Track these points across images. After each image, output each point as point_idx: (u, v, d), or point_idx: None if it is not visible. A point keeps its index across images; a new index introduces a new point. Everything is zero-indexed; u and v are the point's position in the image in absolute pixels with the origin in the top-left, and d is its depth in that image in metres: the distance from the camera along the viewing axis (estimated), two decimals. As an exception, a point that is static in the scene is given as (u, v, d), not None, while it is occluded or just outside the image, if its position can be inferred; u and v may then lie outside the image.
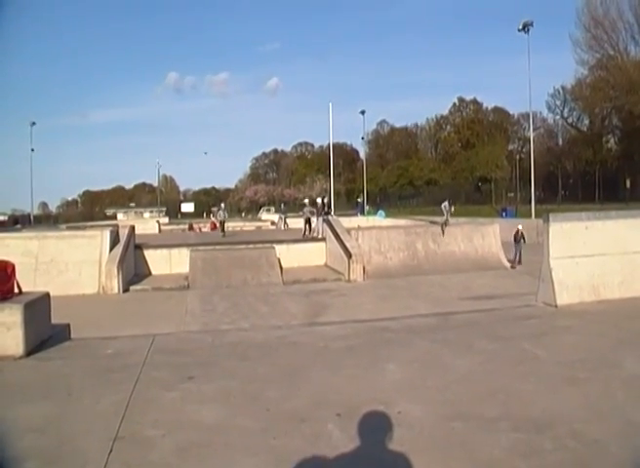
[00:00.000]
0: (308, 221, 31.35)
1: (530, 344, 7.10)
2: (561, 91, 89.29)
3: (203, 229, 53.19)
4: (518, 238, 23.73)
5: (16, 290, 7.64)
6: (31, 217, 79.95)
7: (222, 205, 40.97)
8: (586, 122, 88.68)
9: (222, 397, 5.54)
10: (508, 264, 22.60)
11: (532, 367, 6.22)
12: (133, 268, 22.20)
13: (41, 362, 6.92)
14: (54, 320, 8.20)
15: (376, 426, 4.72)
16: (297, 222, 33.86)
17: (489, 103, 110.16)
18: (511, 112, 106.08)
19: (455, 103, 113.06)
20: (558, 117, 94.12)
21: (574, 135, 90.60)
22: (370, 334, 8.24)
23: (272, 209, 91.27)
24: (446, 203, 29.33)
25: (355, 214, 42.22)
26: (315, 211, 31.47)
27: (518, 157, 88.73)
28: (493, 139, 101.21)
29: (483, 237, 23.96)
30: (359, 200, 53.95)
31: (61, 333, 8.24)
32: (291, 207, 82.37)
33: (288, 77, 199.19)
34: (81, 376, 6.36)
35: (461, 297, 15.42)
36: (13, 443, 4.54)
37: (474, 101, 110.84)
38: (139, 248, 23.41)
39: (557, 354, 6.69)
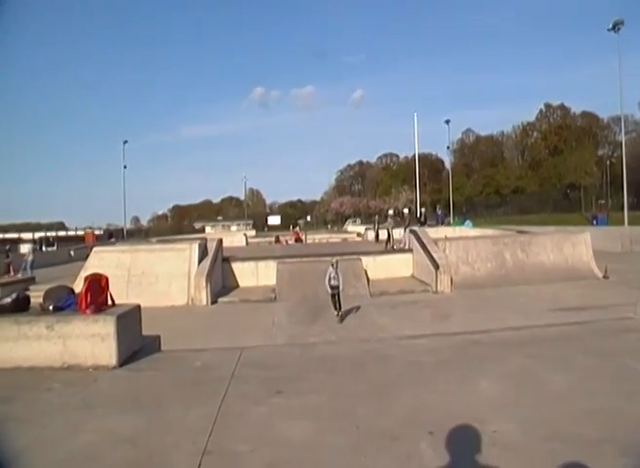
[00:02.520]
0: (389, 233, 31.22)
1: (633, 360, 6.73)
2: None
3: (289, 242, 53.53)
4: None
5: (109, 301, 7.82)
6: (124, 231, 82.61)
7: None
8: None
9: (311, 412, 5.46)
10: (601, 274, 21.79)
11: (636, 385, 5.87)
12: (221, 280, 22.50)
13: (133, 372, 7.03)
14: (145, 331, 8.36)
15: (470, 446, 4.54)
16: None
17: (577, 108, 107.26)
18: (601, 116, 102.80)
19: (541, 109, 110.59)
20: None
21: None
22: (460, 348, 8.02)
23: (358, 220, 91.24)
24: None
25: (434, 225, 41.40)
26: (399, 221, 31.32)
27: (609, 162, 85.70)
28: (581, 145, 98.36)
29: (573, 246, 23.20)
30: (438, 210, 53.00)
31: (152, 345, 8.37)
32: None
33: (372, 88, 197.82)
34: (171, 388, 6.42)
35: (553, 309, 14.91)
36: (106, 453, 4.61)
37: (561, 107, 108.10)
38: (226, 260, 23.71)
39: (663, 371, 6.31)
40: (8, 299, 7.65)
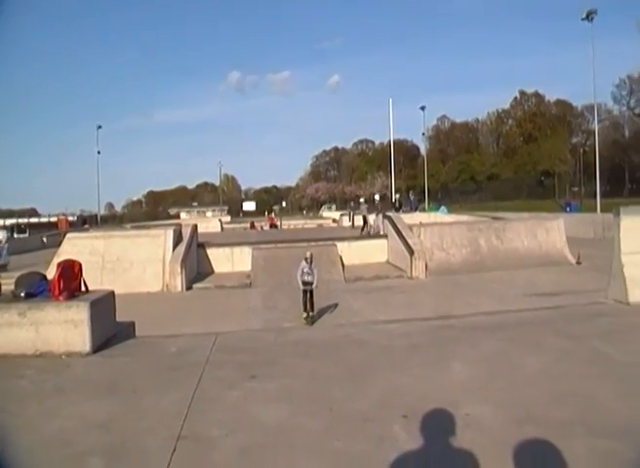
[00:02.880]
0: (365, 219, 31.33)
1: (602, 343, 6.82)
2: (627, 81, 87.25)
3: (264, 227, 53.48)
4: None
5: (82, 288, 7.76)
6: (98, 218, 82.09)
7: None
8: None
9: (285, 396, 5.48)
10: (574, 260, 21.99)
11: (606, 367, 5.96)
12: (195, 266, 22.41)
13: (107, 359, 7.00)
14: (119, 317, 8.31)
15: (443, 428, 4.57)
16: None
17: (551, 96, 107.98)
18: (574, 104, 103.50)
19: (516, 97, 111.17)
20: (624, 108, 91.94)
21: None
22: (434, 332, 8.07)
23: (333, 206, 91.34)
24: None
25: (408, 211, 41.42)
26: (370, 208, 31.47)
27: (582, 150, 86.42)
28: (555, 133, 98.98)
29: (547, 232, 23.37)
30: (411, 196, 52.82)
31: (126, 331, 8.34)
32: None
33: (349, 74, 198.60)
34: (145, 374, 6.39)
35: (526, 294, 15.03)
36: (80, 438, 4.58)
37: (536, 94, 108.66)
38: (201, 246, 23.62)
39: (633, 354, 6.38)
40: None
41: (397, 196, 53.41)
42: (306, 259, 14.47)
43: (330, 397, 5.42)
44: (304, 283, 14.32)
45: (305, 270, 14.36)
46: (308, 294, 14.26)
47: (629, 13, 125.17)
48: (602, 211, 38.85)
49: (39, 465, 4.24)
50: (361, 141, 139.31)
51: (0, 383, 6.06)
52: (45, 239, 43.74)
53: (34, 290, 7.55)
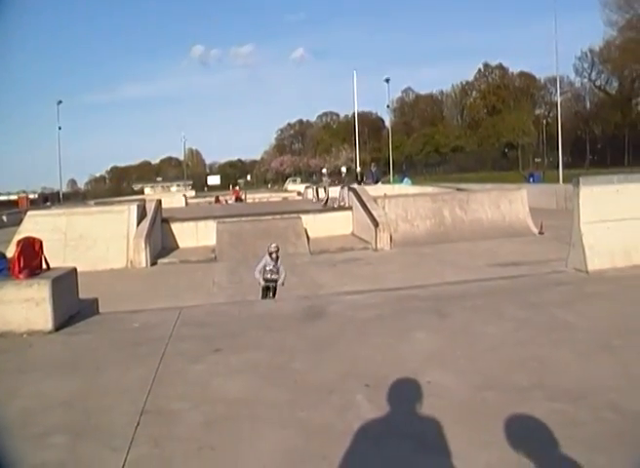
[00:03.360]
0: (326, 191, 31.51)
1: (562, 311, 6.96)
2: (589, 53, 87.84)
3: (229, 201, 53.22)
4: None
5: (44, 265, 7.67)
6: (60, 195, 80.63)
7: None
8: (615, 85, 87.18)
9: (249, 369, 5.50)
10: (536, 230, 22.25)
11: (564, 334, 6.09)
12: (160, 242, 22.24)
13: (69, 336, 6.95)
14: (83, 295, 8.25)
15: (405, 396, 4.65)
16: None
17: (515, 68, 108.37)
18: (538, 77, 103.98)
19: (480, 69, 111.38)
20: (586, 80, 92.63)
21: (602, 98, 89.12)
22: (398, 303, 8.14)
23: (298, 179, 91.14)
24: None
25: (369, 183, 41.29)
26: (334, 180, 31.57)
27: (545, 122, 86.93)
28: (519, 105, 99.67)
29: (510, 203, 23.57)
30: (373, 168, 52.58)
31: (89, 308, 8.28)
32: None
33: (313, 47, 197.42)
34: (108, 350, 6.37)
35: (489, 264, 15.19)
36: (43, 417, 4.56)
37: (500, 67, 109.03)
38: (165, 221, 23.43)
39: (590, 320, 6.54)
40: None
41: (359, 169, 53.15)
42: (271, 254, 11.66)
43: (294, 369, 5.46)
44: (267, 280, 11.63)
45: (269, 268, 11.63)
46: (271, 292, 11.65)
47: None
48: (564, 181, 39.38)
49: (1, 446, 4.21)
50: (326, 114, 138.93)
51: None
52: (5, 218, 42.88)
53: (-6, 269, 7.44)
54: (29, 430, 4.35)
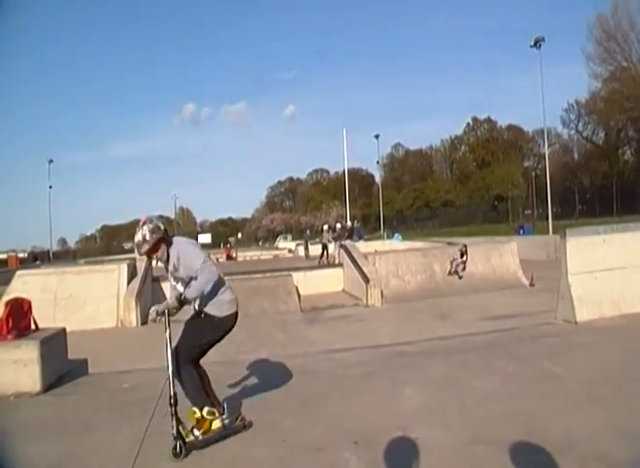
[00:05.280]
0: (325, 248, 31.43)
1: (550, 363, 6.99)
2: (575, 105, 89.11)
3: (220, 260, 53.18)
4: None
5: (33, 326, 7.67)
6: (50, 254, 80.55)
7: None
8: (602, 135, 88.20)
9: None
10: (527, 282, 22.32)
11: (552, 386, 6.12)
12: (151, 300, 22.04)
13: (58, 397, 6.92)
14: (72, 355, 8.22)
15: (393, 453, 4.64)
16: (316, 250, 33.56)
17: (503, 122, 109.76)
18: (526, 129, 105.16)
19: (469, 123, 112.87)
20: (573, 132, 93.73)
21: (589, 148, 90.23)
22: (388, 359, 8.16)
23: (289, 236, 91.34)
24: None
25: (357, 240, 40.84)
26: (336, 235, 31.65)
27: (534, 174, 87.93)
28: (508, 157, 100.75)
29: (501, 256, 23.65)
30: (356, 224, 51.65)
31: (78, 369, 8.24)
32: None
33: (304, 104, 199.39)
34: (97, 411, 6.34)
35: (480, 318, 15.17)
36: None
37: (488, 120, 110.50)
38: (156, 280, 23.36)
39: (578, 372, 6.58)
40: None
41: (349, 224, 52.36)
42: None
43: (283, 427, 5.45)
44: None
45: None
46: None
47: (575, 39, 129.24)
48: (554, 232, 39.57)
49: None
50: (316, 171, 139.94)
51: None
52: (-7, 277, 42.70)
53: (-18, 330, 7.42)
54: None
